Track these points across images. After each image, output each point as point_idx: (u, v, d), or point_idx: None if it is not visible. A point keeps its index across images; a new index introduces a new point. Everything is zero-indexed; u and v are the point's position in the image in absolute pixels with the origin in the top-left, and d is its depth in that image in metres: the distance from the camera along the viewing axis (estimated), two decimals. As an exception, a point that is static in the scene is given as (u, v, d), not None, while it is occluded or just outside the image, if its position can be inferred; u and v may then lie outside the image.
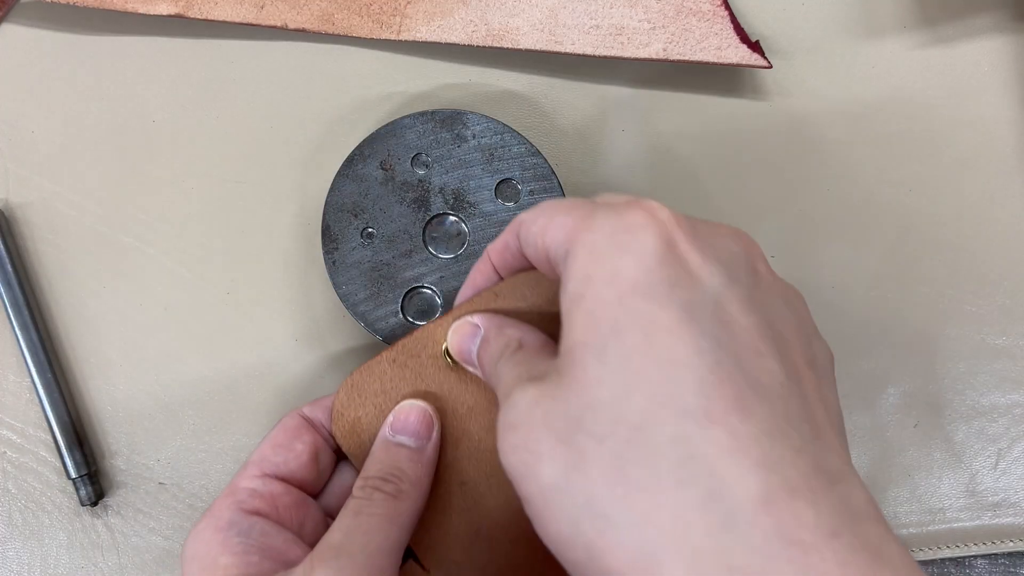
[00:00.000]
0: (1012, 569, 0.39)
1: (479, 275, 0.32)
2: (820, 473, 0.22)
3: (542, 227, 0.26)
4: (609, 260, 0.24)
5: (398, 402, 0.32)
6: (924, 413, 0.39)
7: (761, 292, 0.25)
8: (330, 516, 0.33)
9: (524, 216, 0.28)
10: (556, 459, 0.23)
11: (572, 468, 0.23)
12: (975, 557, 0.39)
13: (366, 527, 0.29)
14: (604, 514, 0.22)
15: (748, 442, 0.21)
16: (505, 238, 0.30)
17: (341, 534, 0.29)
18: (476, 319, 0.31)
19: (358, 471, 0.32)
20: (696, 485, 0.21)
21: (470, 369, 0.31)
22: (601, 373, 0.23)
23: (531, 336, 0.29)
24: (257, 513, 0.31)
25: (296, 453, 0.32)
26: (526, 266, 0.30)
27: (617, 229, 0.24)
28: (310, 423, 0.33)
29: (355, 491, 0.30)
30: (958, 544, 0.38)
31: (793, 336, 0.25)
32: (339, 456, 0.34)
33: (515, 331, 0.30)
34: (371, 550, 0.28)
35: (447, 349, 0.32)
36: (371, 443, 0.32)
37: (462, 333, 0.31)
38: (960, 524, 0.38)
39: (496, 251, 0.31)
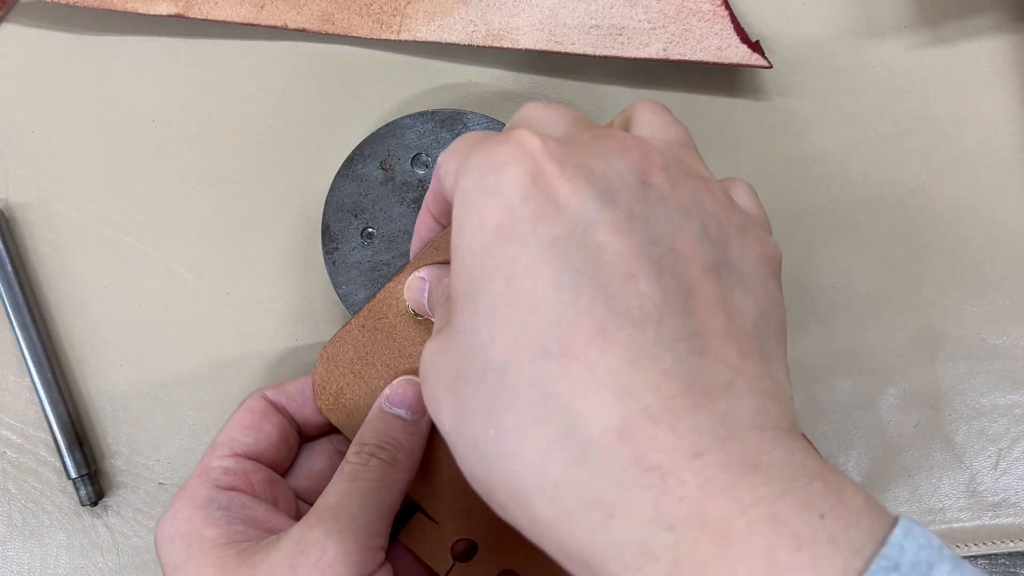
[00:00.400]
0: (1012, 569, 0.39)
1: (422, 226, 0.32)
2: (692, 391, 0.22)
3: (444, 171, 0.27)
4: (476, 206, 0.24)
5: (376, 366, 0.33)
6: (924, 413, 0.39)
7: (648, 207, 0.24)
8: (300, 498, 0.34)
9: (440, 157, 0.28)
10: (449, 407, 0.24)
11: (459, 415, 0.24)
12: (975, 557, 0.39)
13: (363, 490, 0.30)
14: (485, 455, 0.23)
15: (605, 374, 0.21)
16: (433, 183, 0.30)
17: (338, 496, 0.30)
18: (422, 272, 0.32)
19: (348, 440, 0.33)
20: (553, 422, 0.22)
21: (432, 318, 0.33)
22: (473, 323, 0.23)
23: None
24: (233, 489, 0.31)
25: (266, 433, 0.33)
26: None
27: (485, 170, 0.24)
28: (274, 406, 0.34)
29: (350, 456, 0.31)
30: (958, 544, 0.38)
31: (690, 246, 0.24)
32: (303, 439, 0.35)
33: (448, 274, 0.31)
34: (369, 511, 0.30)
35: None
36: (357, 411, 0.33)
37: (413, 289, 0.33)
38: (960, 524, 0.38)
39: (429, 197, 0.31)
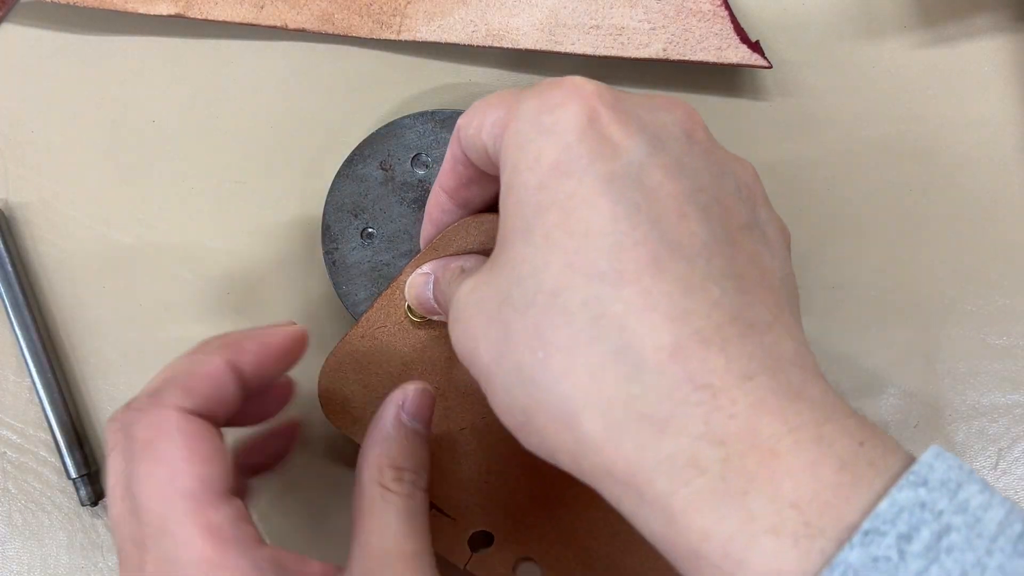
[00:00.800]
0: (1012, 569, 0.39)
1: (434, 208, 0.32)
2: (739, 323, 0.23)
3: (478, 127, 0.27)
4: (532, 145, 0.24)
5: (379, 374, 0.34)
6: (924, 413, 0.39)
7: (695, 159, 0.25)
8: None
9: (461, 120, 0.28)
10: (490, 337, 0.24)
11: (502, 342, 0.24)
12: (975, 557, 0.39)
13: (422, 527, 0.29)
14: (531, 378, 0.23)
15: (659, 298, 0.22)
16: (451, 150, 0.30)
17: (412, 542, 0.28)
18: (424, 268, 0.32)
19: (357, 443, 0.32)
20: (607, 340, 0.22)
21: (436, 318, 0.33)
22: (525, 252, 0.24)
23: (473, 260, 0.31)
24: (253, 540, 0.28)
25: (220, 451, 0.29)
26: (476, 175, 0.30)
27: (540, 111, 0.25)
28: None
29: (390, 484, 0.29)
30: (958, 544, 0.38)
31: (731, 203, 0.25)
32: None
33: (458, 261, 0.31)
34: (431, 546, 0.29)
35: (409, 308, 0.33)
36: (365, 419, 0.33)
37: (416, 285, 0.32)
38: (960, 524, 0.38)
39: (445, 171, 0.31)
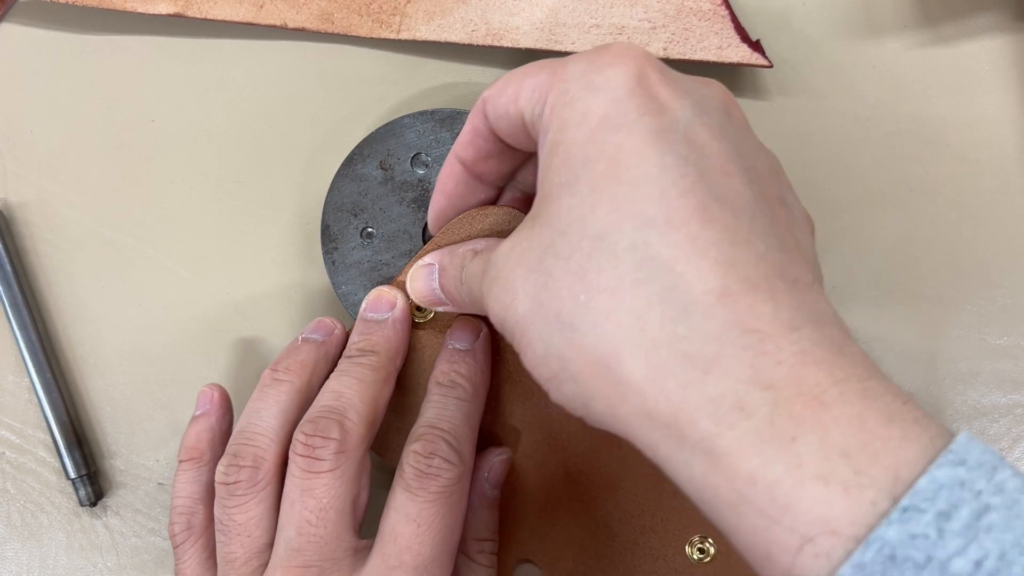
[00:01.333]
0: (1013, 569, 0.39)
1: (448, 178, 0.32)
2: (783, 278, 0.23)
3: (513, 95, 0.27)
4: (581, 102, 0.25)
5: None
6: (925, 413, 0.39)
7: (733, 130, 0.26)
8: None
9: (489, 92, 0.28)
10: (528, 287, 0.24)
11: (542, 289, 0.24)
12: (976, 557, 0.39)
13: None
14: (571, 323, 0.23)
15: (707, 245, 0.22)
16: (472, 123, 0.30)
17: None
18: (426, 259, 0.32)
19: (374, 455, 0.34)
20: (653, 282, 0.22)
21: (441, 309, 0.32)
22: (571, 202, 0.24)
23: (484, 242, 0.31)
24: None
25: None
26: (497, 149, 0.30)
27: (588, 70, 0.25)
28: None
29: (476, 556, 0.33)
30: (959, 544, 0.38)
31: (767, 174, 0.26)
32: None
33: (466, 245, 0.31)
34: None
35: (412, 306, 0.34)
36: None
37: (419, 278, 0.32)
38: (961, 524, 0.38)
39: (464, 143, 0.31)
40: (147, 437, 0.39)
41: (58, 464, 0.39)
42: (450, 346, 0.33)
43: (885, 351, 0.39)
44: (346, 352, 0.33)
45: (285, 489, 0.30)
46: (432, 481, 0.29)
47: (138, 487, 0.39)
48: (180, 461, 0.34)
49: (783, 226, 0.25)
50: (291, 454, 0.30)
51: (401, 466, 0.30)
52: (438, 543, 0.29)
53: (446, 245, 0.32)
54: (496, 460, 0.33)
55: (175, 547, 0.33)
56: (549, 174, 0.25)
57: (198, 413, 0.34)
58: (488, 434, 0.34)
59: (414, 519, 0.29)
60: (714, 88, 0.27)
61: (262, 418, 0.31)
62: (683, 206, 0.23)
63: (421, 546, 0.29)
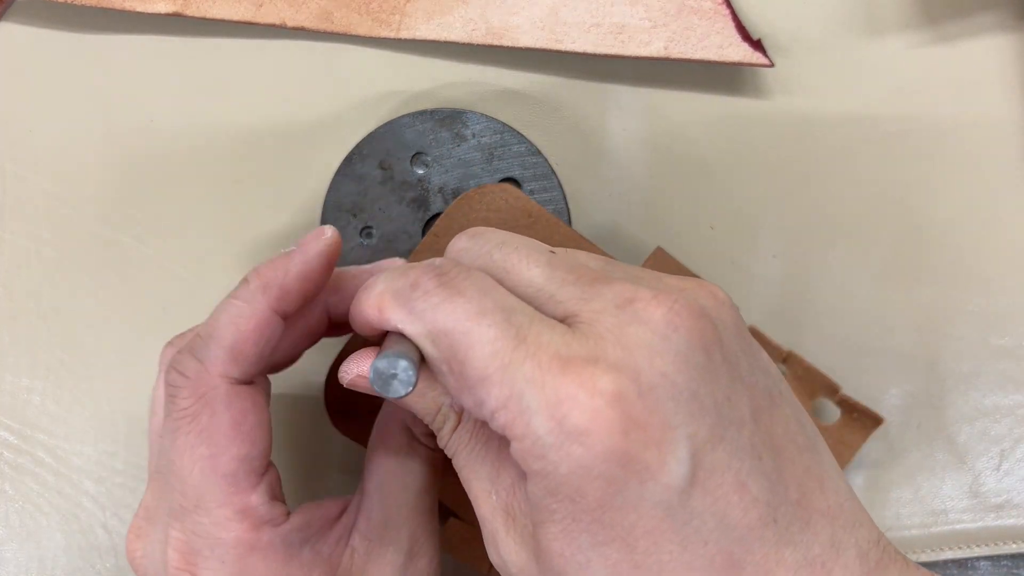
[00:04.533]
0: (1015, 571, 0.39)
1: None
2: (834, 547, 0.23)
3: (445, 330, 0.23)
4: (568, 478, 0.22)
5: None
6: (927, 414, 0.39)
7: (732, 424, 0.23)
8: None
9: (366, 307, 0.25)
10: None
11: None
12: (978, 559, 0.39)
13: (437, 486, 0.30)
14: None
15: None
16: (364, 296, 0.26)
17: (430, 498, 0.29)
18: (361, 366, 0.27)
19: (363, 448, 0.31)
20: None
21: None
22: None
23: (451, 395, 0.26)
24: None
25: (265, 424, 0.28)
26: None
27: (559, 432, 0.22)
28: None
29: (424, 439, 0.29)
30: (961, 546, 0.38)
31: (771, 422, 0.24)
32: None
33: (432, 401, 0.26)
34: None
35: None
36: (370, 424, 0.31)
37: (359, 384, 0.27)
38: (963, 526, 0.38)
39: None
40: (147, 437, 0.39)
41: (57, 465, 0.38)
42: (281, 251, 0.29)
43: (887, 351, 0.39)
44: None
45: None
46: (172, 404, 0.26)
47: (138, 488, 0.39)
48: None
49: (797, 487, 0.23)
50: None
51: None
52: (199, 478, 0.26)
53: (446, 240, 0.32)
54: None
55: None
56: (548, 539, 0.23)
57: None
58: None
59: (169, 455, 0.26)
60: (682, 332, 0.23)
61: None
62: (707, 569, 0.22)
63: (183, 484, 0.26)
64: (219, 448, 0.26)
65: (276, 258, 0.28)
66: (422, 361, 0.25)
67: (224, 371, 0.27)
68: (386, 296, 0.25)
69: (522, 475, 0.24)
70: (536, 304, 0.24)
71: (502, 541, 0.24)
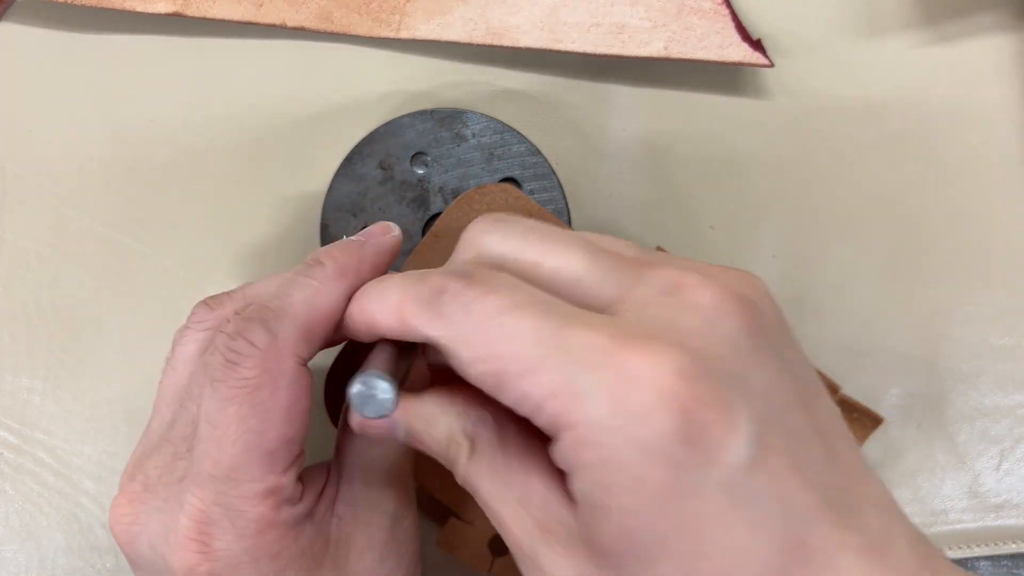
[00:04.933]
0: (1015, 571, 0.39)
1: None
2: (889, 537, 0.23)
3: (500, 355, 0.22)
4: (628, 467, 0.21)
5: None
6: (926, 414, 0.39)
7: (793, 429, 0.23)
8: None
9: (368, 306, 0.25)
10: None
11: None
12: (978, 559, 0.39)
13: (412, 455, 0.30)
14: None
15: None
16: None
17: (408, 465, 0.29)
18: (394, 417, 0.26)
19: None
20: None
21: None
22: None
23: (485, 429, 0.25)
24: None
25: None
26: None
27: (617, 415, 0.20)
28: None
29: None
30: (961, 546, 0.38)
31: (811, 403, 0.24)
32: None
33: (455, 424, 0.25)
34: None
35: None
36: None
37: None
38: (963, 526, 0.38)
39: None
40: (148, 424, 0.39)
41: (57, 465, 0.38)
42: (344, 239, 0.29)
43: (887, 351, 0.39)
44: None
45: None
46: (232, 371, 0.26)
47: (137, 488, 0.39)
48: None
49: (846, 474, 0.23)
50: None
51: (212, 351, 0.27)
52: (240, 450, 0.25)
53: (446, 238, 0.32)
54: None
55: None
56: (608, 540, 0.21)
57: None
58: None
59: (212, 421, 0.26)
60: (732, 319, 0.22)
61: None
62: (776, 552, 0.21)
63: (220, 453, 0.26)
64: (270, 424, 0.26)
65: (346, 243, 0.28)
66: (405, 378, 0.25)
67: (295, 349, 0.26)
68: (407, 303, 0.24)
69: (554, 482, 0.23)
70: (573, 294, 0.23)
71: (547, 560, 0.23)
